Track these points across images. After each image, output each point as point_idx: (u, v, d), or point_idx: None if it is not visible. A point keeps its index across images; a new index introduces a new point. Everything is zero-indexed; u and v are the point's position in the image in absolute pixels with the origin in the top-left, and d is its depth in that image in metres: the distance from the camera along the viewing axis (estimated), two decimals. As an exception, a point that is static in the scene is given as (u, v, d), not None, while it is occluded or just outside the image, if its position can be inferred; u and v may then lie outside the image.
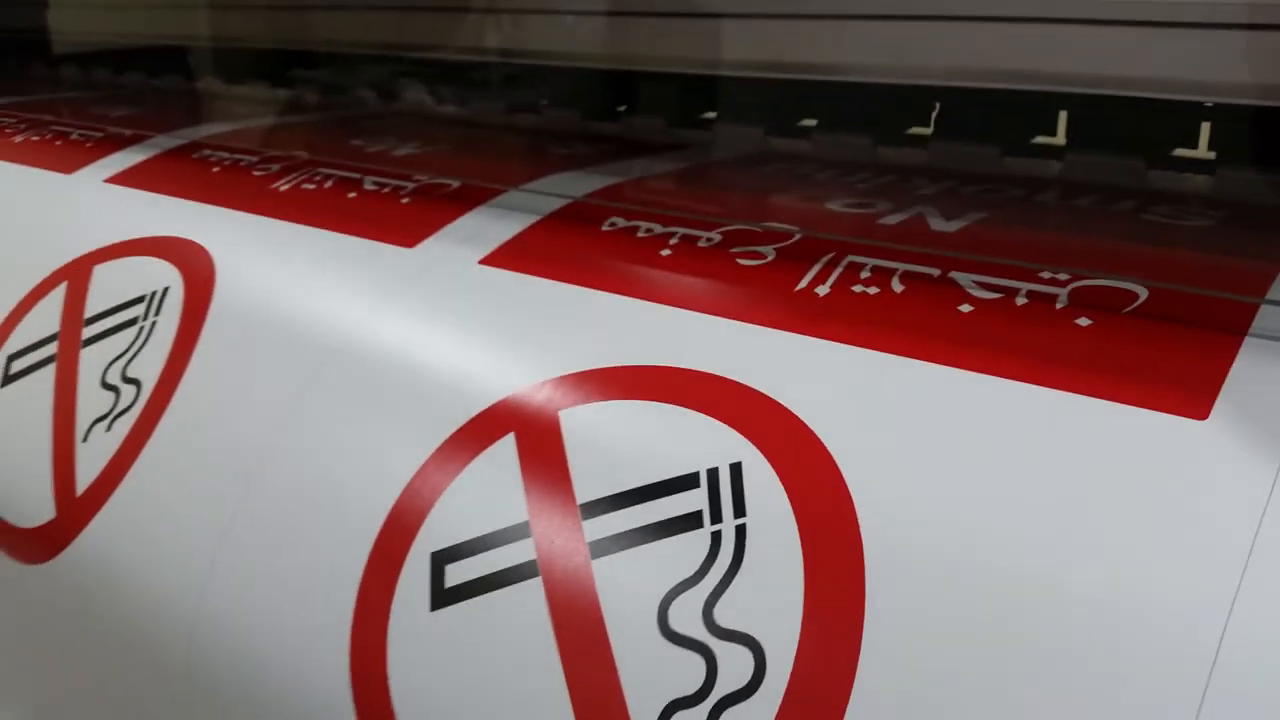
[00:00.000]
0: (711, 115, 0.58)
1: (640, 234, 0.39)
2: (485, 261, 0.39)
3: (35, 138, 0.64)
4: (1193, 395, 0.25)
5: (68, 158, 0.59)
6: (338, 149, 0.54)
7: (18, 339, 0.46)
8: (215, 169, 0.52)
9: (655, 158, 0.51)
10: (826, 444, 0.27)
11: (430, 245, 0.41)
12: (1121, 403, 0.26)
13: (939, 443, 0.27)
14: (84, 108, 0.73)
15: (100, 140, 0.61)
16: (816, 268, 0.34)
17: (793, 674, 0.24)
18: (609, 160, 0.51)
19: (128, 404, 0.40)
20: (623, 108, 0.62)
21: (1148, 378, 0.26)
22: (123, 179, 0.54)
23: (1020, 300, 0.31)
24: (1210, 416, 0.25)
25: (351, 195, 0.46)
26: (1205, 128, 0.46)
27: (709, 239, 0.37)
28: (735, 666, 0.25)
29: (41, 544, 0.41)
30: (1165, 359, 0.27)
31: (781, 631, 0.25)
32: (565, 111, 0.62)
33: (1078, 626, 0.23)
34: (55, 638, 0.41)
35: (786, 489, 0.27)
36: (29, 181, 0.57)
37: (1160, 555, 0.23)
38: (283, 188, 0.48)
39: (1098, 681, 0.22)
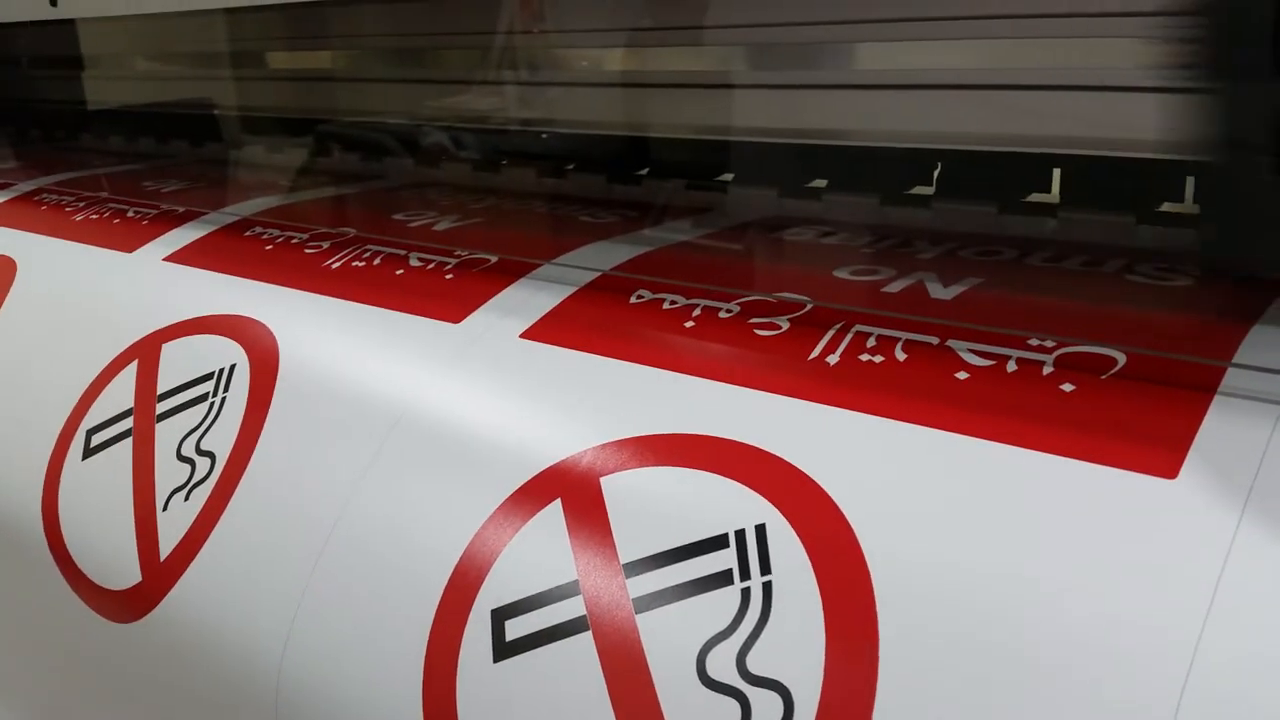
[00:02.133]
0: (728, 178, 0.62)
1: (665, 306, 0.43)
2: (526, 335, 0.43)
3: (94, 216, 0.69)
4: (1163, 455, 0.29)
5: (126, 236, 0.63)
6: (381, 224, 0.58)
7: (95, 414, 0.51)
8: (267, 246, 0.56)
9: (676, 224, 0.55)
10: (839, 504, 0.31)
11: (475, 320, 0.45)
12: (1100, 464, 0.29)
13: (938, 501, 0.30)
14: (135, 182, 0.77)
15: (155, 218, 0.65)
16: (827, 337, 0.37)
17: (818, 713, 0.28)
18: (634, 228, 0.55)
19: (203, 475, 0.44)
20: (644, 171, 0.66)
21: (1124, 439, 0.30)
22: (180, 257, 0.58)
23: (1011, 367, 0.34)
24: (1179, 475, 0.28)
25: (399, 272, 0.50)
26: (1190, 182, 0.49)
27: (728, 310, 0.41)
28: (767, 709, 0.28)
29: (130, 605, 0.45)
30: (1140, 421, 0.30)
31: (807, 676, 0.28)
32: (590, 176, 0.67)
33: (1062, 663, 0.26)
34: (144, 692, 0.45)
35: (805, 546, 0.30)
36: (93, 261, 0.61)
37: (1134, 603, 0.26)
38: (334, 265, 0.52)
39: (1084, 711, 0.25)
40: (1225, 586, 0.25)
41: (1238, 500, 0.27)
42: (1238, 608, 0.25)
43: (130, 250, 0.61)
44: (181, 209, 0.65)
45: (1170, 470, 0.28)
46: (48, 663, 0.52)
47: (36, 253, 0.65)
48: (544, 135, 0.73)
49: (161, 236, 0.61)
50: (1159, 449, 0.29)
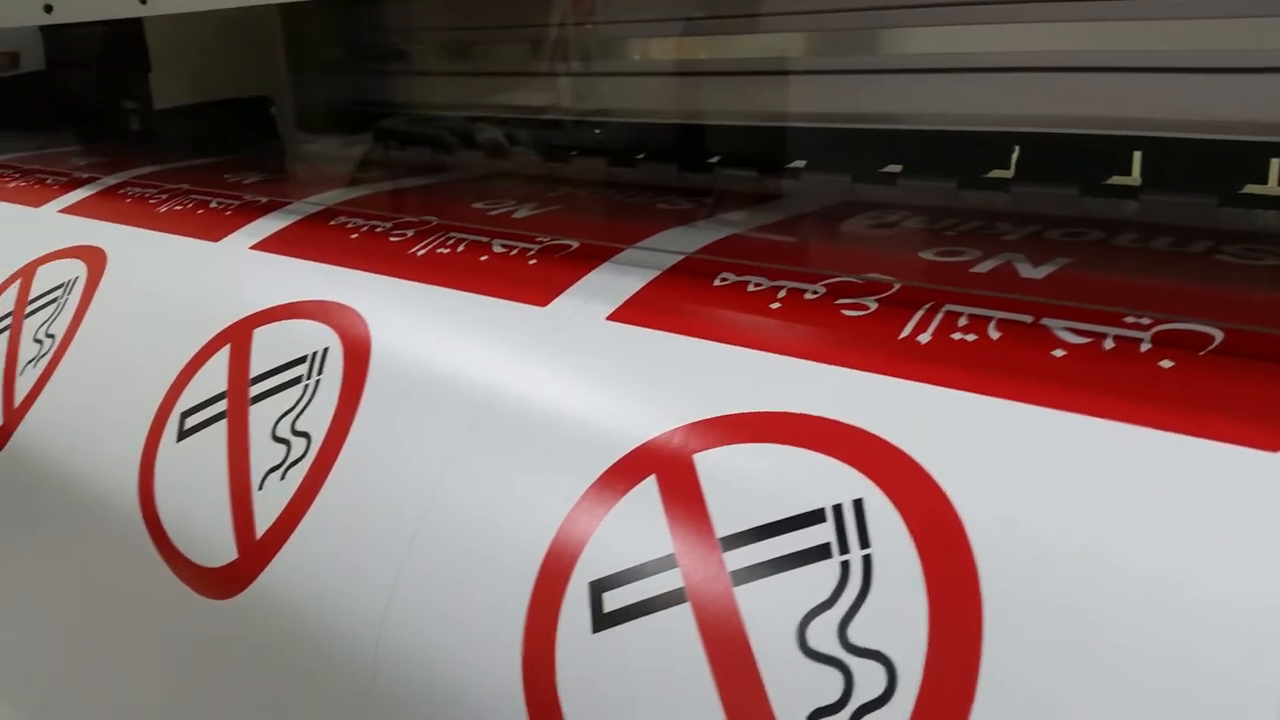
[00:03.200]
0: (800, 164, 0.62)
1: (750, 288, 0.43)
2: (612, 318, 0.43)
3: (178, 207, 0.71)
4: (1266, 429, 0.29)
5: (211, 226, 0.65)
6: (461, 213, 0.59)
7: (189, 397, 0.52)
8: (352, 235, 0.58)
9: (753, 210, 0.55)
10: (936, 479, 0.31)
11: (561, 303, 0.45)
12: (1201, 437, 0.29)
13: (1038, 473, 0.30)
14: (215, 175, 0.79)
15: (238, 208, 0.67)
16: (917, 317, 0.38)
17: (923, 683, 0.28)
18: (709, 214, 0.55)
19: (299, 455, 0.45)
20: (715, 159, 0.66)
21: (1225, 414, 0.30)
22: (266, 246, 0.60)
23: (1108, 344, 0.34)
24: (1283, 449, 0.28)
25: (483, 258, 0.51)
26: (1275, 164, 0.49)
27: (814, 291, 0.41)
28: (870, 679, 0.29)
29: (226, 582, 0.46)
30: (1241, 396, 0.30)
31: (910, 647, 0.28)
32: (661, 165, 0.67)
33: (1165, 639, 0.26)
34: (241, 667, 0.46)
35: (905, 520, 0.31)
36: (181, 250, 0.63)
37: (1238, 577, 0.26)
38: (420, 252, 0.53)
39: (1193, 689, 0.25)
40: (1340, 557, 0.25)
41: (1348, 473, 0.27)
42: (1353, 578, 0.25)
43: (216, 239, 0.62)
44: (264, 199, 0.67)
45: (1273, 443, 0.28)
46: (142, 638, 0.53)
47: (125, 243, 0.67)
48: (613, 126, 0.74)
49: (246, 226, 0.63)
50: (1261, 423, 0.29)
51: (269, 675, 0.44)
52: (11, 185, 0.87)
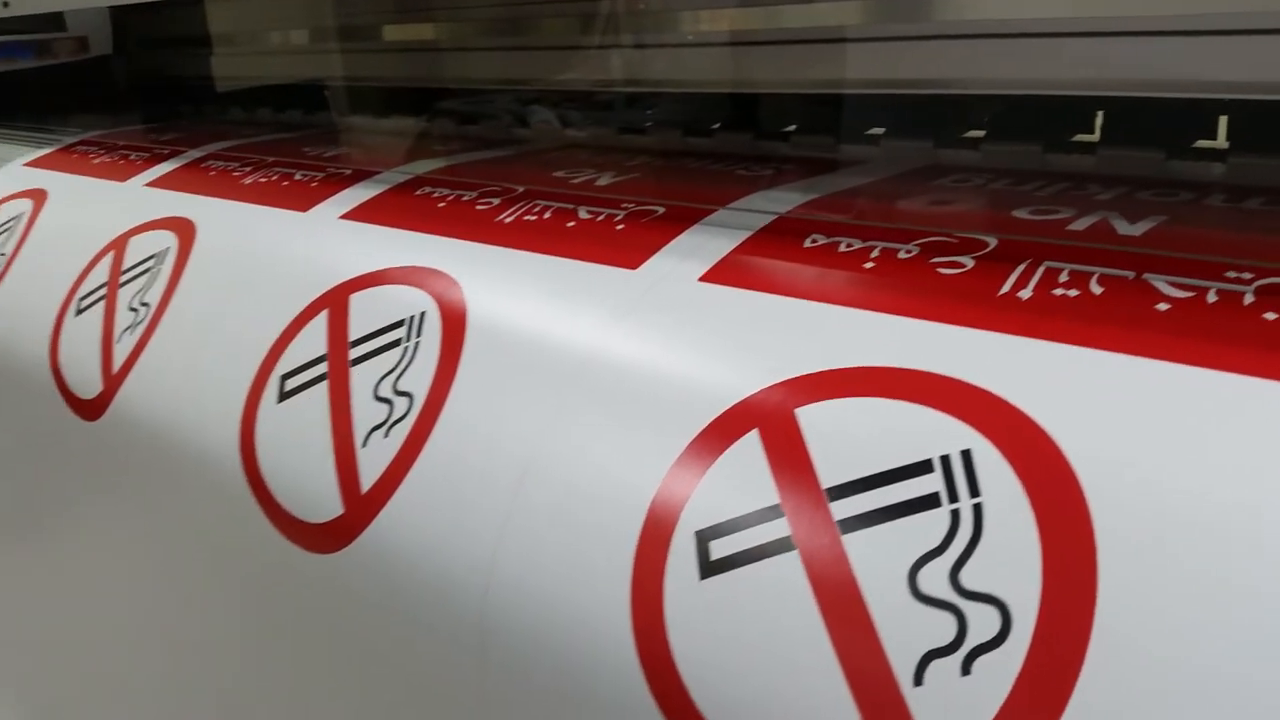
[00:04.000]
0: (879, 131, 0.62)
1: (842, 248, 0.44)
2: (704, 278, 0.44)
3: (263, 179, 0.72)
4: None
5: (299, 197, 0.66)
6: (544, 181, 0.60)
7: (288, 361, 0.54)
8: (440, 204, 0.59)
9: (836, 174, 0.56)
10: (1044, 427, 0.32)
11: (652, 265, 0.46)
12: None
13: (1147, 420, 0.31)
14: (295, 148, 0.81)
15: (323, 180, 0.68)
16: (1016, 273, 0.38)
17: (1037, 625, 0.29)
18: (791, 179, 0.56)
19: (402, 413, 0.47)
20: (792, 128, 0.66)
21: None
22: (356, 215, 0.61)
23: (1211, 297, 0.34)
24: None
25: (570, 224, 0.52)
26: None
27: (908, 250, 0.42)
28: (984, 622, 0.30)
29: (332, 536, 0.48)
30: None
31: (1024, 590, 0.29)
32: (738, 135, 0.68)
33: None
34: (348, 619, 0.48)
35: (1015, 469, 0.31)
36: (270, 220, 0.65)
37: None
38: (507, 219, 0.54)
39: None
40: None
41: None
42: None
43: (305, 209, 0.64)
44: (349, 170, 0.69)
45: (1391, 392, 0.29)
46: (246, 593, 0.55)
47: (214, 214, 0.69)
48: (685, 98, 0.74)
49: (334, 196, 0.64)
50: (1376, 372, 0.29)
51: (376, 626, 0.46)
52: (96, 161, 0.89)
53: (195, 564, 0.59)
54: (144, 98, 1.38)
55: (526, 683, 0.39)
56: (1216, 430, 0.30)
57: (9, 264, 0.81)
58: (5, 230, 0.85)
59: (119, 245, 0.71)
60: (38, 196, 0.86)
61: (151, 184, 0.78)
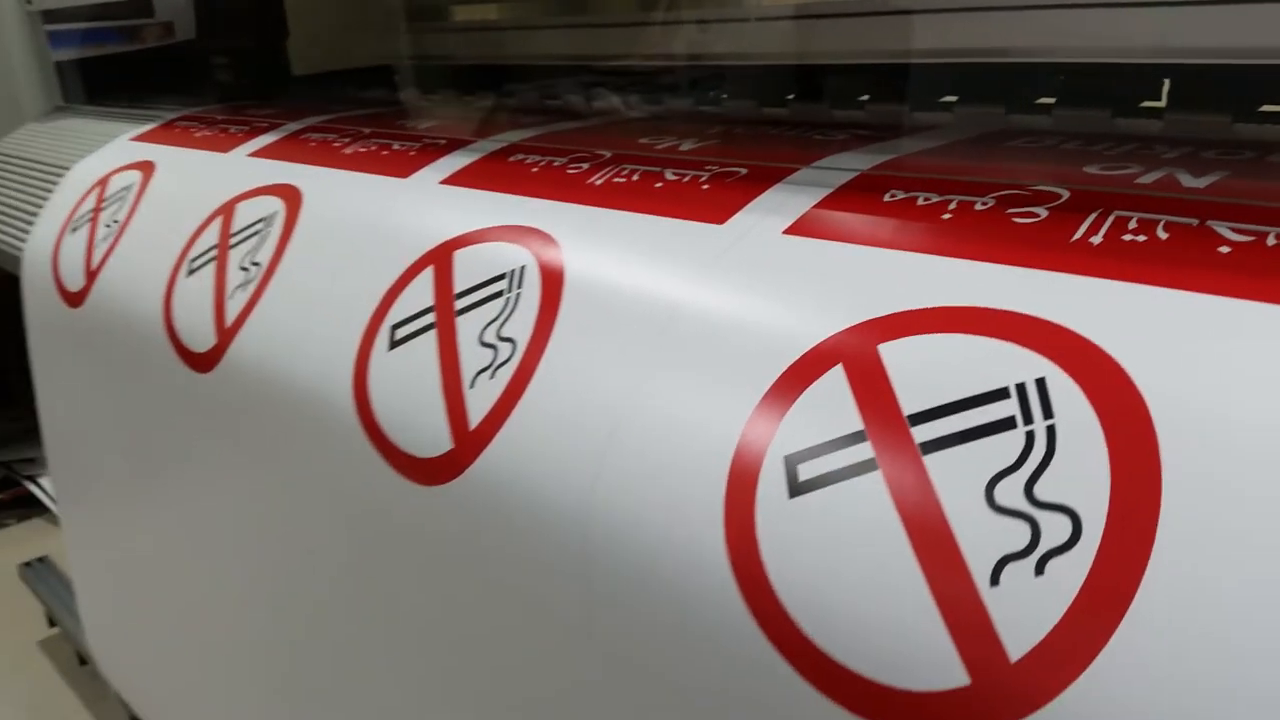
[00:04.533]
0: (952, 99, 0.65)
1: (920, 202, 0.47)
2: (788, 231, 0.48)
3: (362, 149, 0.77)
4: None
5: (399, 164, 0.71)
6: (630, 147, 0.64)
7: (397, 312, 0.58)
8: (533, 169, 0.63)
9: (912, 138, 0.58)
10: (1114, 356, 0.35)
11: (738, 220, 0.50)
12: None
13: (1207, 349, 0.33)
14: (390, 121, 0.86)
15: (420, 149, 0.73)
16: (1088, 222, 0.41)
17: (1105, 529, 0.32)
18: (868, 143, 0.59)
19: (506, 357, 0.51)
20: (865, 97, 0.69)
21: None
22: (455, 180, 0.65)
23: (1270, 240, 0.37)
24: None
25: (658, 185, 0.56)
26: None
27: (984, 203, 0.45)
28: (1056, 529, 0.33)
29: (442, 469, 0.52)
30: None
31: (1093, 500, 0.32)
32: (812, 105, 0.71)
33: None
34: (456, 546, 0.52)
35: (1086, 393, 0.34)
36: (373, 186, 0.69)
37: None
38: (598, 182, 0.58)
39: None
40: None
41: None
42: None
43: (405, 176, 0.68)
44: (444, 140, 0.73)
45: None
46: (360, 527, 0.60)
47: (318, 181, 0.73)
48: (759, 69, 0.77)
49: (433, 164, 0.68)
50: None
51: (483, 553, 0.50)
52: (199, 135, 0.95)
53: (309, 502, 0.63)
54: (227, 79, 1.44)
55: (629, 603, 0.43)
56: (1273, 358, 0.32)
57: (121, 231, 0.87)
58: (117, 200, 0.91)
59: (227, 210, 0.76)
60: (146, 168, 0.92)
61: (254, 154, 0.83)
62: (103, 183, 0.95)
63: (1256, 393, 0.32)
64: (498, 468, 0.49)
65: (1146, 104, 0.58)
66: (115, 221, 0.88)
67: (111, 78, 1.47)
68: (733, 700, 0.39)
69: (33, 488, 2.06)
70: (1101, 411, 0.34)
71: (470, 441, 0.50)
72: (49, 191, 1.03)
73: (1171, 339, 0.34)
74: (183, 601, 0.85)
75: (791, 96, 0.75)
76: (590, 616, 0.45)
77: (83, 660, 1.50)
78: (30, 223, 1.03)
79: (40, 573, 1.67)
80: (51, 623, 1.60)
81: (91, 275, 0.87)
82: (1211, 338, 0.34)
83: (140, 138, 1.00)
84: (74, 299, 0.90)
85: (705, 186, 0.54)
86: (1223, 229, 0.38)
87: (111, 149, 1.00)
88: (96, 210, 0.92)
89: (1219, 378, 0.33)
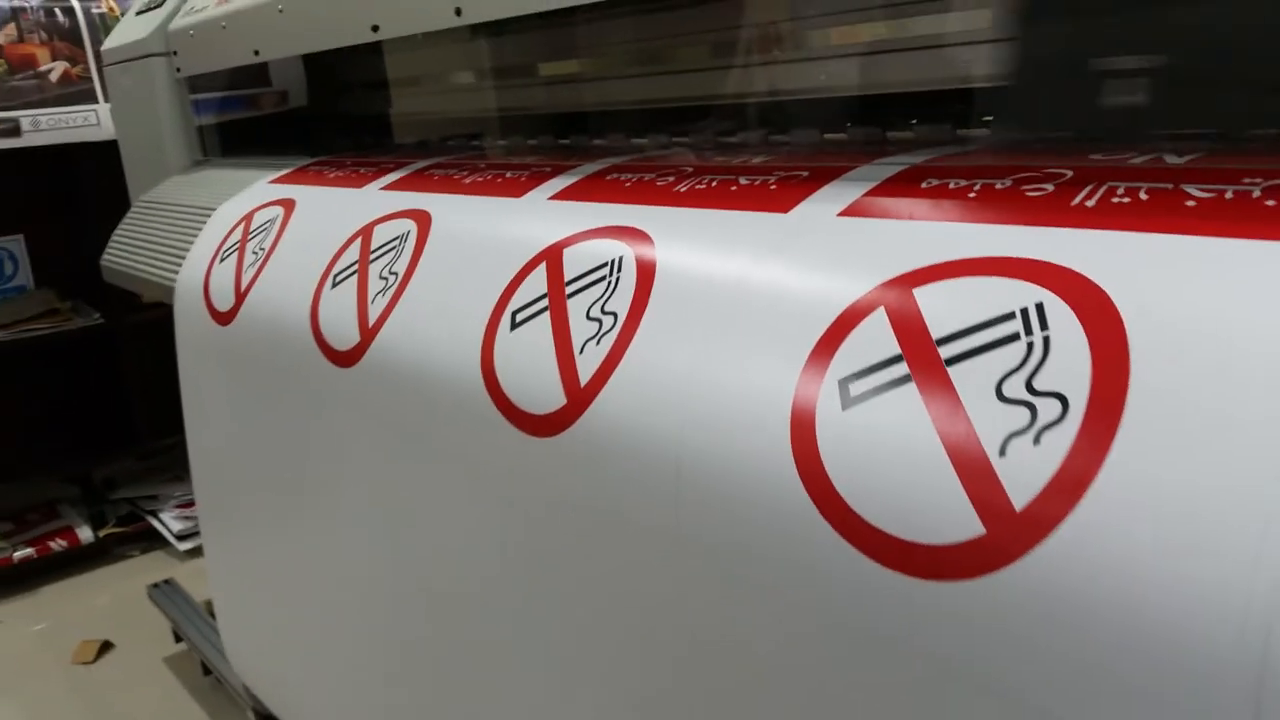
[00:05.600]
0: (989, 118, 0.75)
1: (951, 186, 0.56)
2: (842, 214, 0.58)
3: (479, 179, 0.89)
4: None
5: (513, 188, 0.83)
6: (708, 164, 0.75)
7: (517, 300, 0.69)
8: (627, 184, 0.74)
9: (952, 145, 0.68)
10: (1097, 281, 0.44)
11: (799, 209, 0.60)
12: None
13: (1169, 271, 0.42)
14: (500, 160, 0.98)
15: (530, 175, 0.85)
16: (1085, 191, 0.50)
17: (1087, 407, 0.41)
18: (922, 149, 0.69)
19: (610, 328, 0.61)
20: (914, 121, 0.80)
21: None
22: (561, 196, 0.77)
23: (1228, 195, 0.46)
24: (1356, 242, 0.40)
25: (733, 189, 0.67)
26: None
27: (1002, 184, 0.55)
28: (1050, 410, 0.42)
29: (555, 423, 0.62)
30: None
31: (1078, 387, 0.41)
32: (869, 129, 0.81)
33: (1269, 387, 0.38)
34: (568, 488, 0.62)
35: (1074, 311, 0.43)
36: (491, 204, 0.81)
37: (1314, 312, 0.38)
38: (682, 189, 0.69)
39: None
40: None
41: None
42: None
43: (519, 195, 0.80)
44: (549, 167, 0.85)
45: (1350, 240, 0.40)
46: (487, 479, 0.71)
47: (444, 204, 0.86)
48: (822, 101, 0.88)
49: (541, 185, 0.80)
50: (1343, 231, 0.41)
51: (593, 490, 0.60)
52: (332, 175, 1.09)
53: (443, 465, 0.74)
54: (334, 135, 1.61)
55: (712, 506, 0.53)
56: (1223, 275, 0.41)
57: (267, 257, 1.01)
58: (262, 231, 1.05)
59: (366, 232, 0.89)
60: (287, 204, 1.06)
61: (386, 188, 0.97)
62: (248, 218, 1.09)
63: (1207, 302, 0.41)
64: (604, 415, 0.59)
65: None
66: (261, 249, 1.02)
67: (243, 136, 1.66)
68: (794, 569, 0.49)
69: (154, 522, 2.23)
70: (1086, 322, 0.43)
71: (580, 397, 0.61)
72: (196, 230, 1.18)
73: (1142, 266, 0.44)
74: (322, 593, 0.97)
75: (848, 124, 0.85)
76: (679, 521, 0.55)
77: (207, 671, 1.63)
78: (179, 258, 1.18)
79: (167, 593, 1.82)
80: (177, 639, 1.74)
81: (240, 296, 1.01)
82: (1173, 264, 0.43)
83: (279, 180, 1.15)
84: (224, 318, 1.04)
85: (773, 186, 0.65)
86: (1192, 189, 0.47)
87: (253, 190, 1.15)
88: (243, 241, 1.06)
89: (1178, 292, 0.42)
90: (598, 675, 0.64)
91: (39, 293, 2.19)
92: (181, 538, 2.14)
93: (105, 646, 1.85)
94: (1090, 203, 0.49)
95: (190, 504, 2.21)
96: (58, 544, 2.12)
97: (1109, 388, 0.41)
